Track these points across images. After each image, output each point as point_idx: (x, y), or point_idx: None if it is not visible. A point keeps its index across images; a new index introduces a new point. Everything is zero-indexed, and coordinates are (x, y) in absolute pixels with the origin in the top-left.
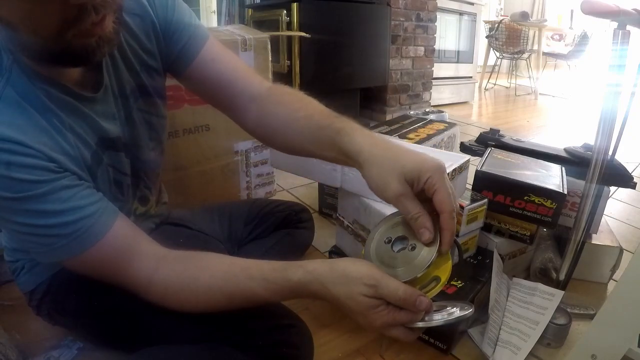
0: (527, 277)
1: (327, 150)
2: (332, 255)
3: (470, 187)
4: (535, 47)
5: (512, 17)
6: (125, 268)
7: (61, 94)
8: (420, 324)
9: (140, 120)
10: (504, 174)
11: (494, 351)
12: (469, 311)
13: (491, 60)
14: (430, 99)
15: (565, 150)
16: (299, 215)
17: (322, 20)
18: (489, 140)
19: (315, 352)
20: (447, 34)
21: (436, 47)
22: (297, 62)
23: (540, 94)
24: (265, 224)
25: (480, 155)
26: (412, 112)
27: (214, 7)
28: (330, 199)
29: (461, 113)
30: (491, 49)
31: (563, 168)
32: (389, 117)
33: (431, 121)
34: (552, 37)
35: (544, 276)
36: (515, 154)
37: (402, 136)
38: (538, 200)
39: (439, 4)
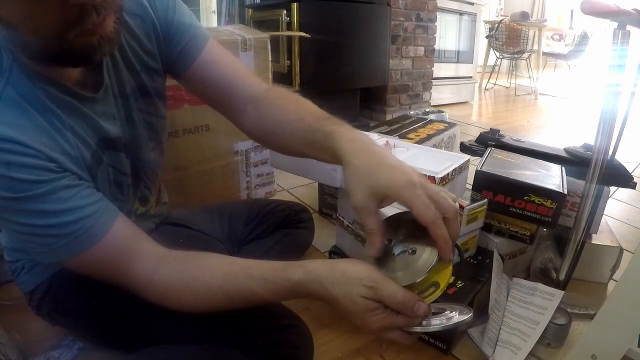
0: (527, 277)
1: (319, 153)
2: (332, 256)
3: (470, 187)
4: (535, 47)
5: (512, 17)
6: (125, 268)
7: (61, 94)
8: (418, 329)
9: (141, 121)
10: (504, 174)
11: (494, 351)
12: (468, 316)
13: (491, 60)
14: (430, 99)
15: (565, 150)
16: (299, 215)
17: (322, 20)
18: (489, 140)
19: (315, 352)
20: (447, 34)
21: (436, 47)
22: (297, 62)
23: (540, 94)
24: (265, 224)
25: (480, 155)
26: (412, 112)
27: (214, 7)
28: (330, 199)
29: (461, 113)
30: (491, 49)
31: (563, 168)
32: (389, 117)
33: (431, 121)
34: (552, 37)
35: (544, 276)
36: (515, 154)
37: (402, 136)
38: (538, 200)
39: (439, 4)
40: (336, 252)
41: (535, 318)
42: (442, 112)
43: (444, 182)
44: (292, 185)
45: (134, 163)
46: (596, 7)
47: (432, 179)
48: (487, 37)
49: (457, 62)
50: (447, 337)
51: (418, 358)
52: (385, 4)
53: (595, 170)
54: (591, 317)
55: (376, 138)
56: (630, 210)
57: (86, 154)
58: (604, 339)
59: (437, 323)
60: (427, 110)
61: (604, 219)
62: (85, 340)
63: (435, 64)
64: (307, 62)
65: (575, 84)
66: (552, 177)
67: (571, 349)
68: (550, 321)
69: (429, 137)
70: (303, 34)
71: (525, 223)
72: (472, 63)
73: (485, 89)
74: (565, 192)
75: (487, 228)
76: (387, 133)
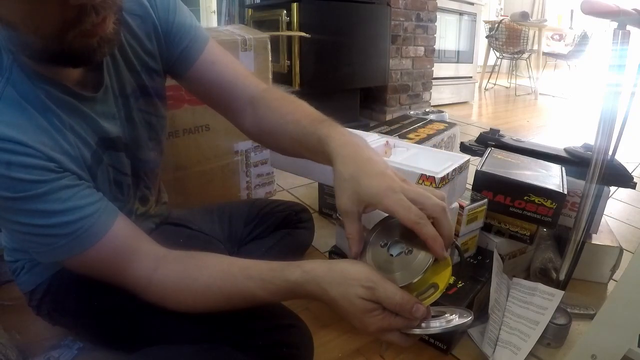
0: (527, 277)
1: (314, 156)
2: (332, 256)
3: (470, 187)
4: (535, 47)
5: (512, 17)
6: (125, 268)
7: (61, 94)
8: (417, 331)
9: (141, 121)
10: (504, 174)
11: (494, 351)
12: (468, 319)
13: (491, 60)
14: (430, 99)
15: (565, 150)
16: (299, 215)
17: (322, 20)
18: (489, 140)
19: (315, 352)
20: (447, 34)
21: (436, 47)
22: (297, 62)
23: (540, 94)
24: (265, 224)
25: (480, 155)
26: (412, 112)
27: (214, 7)
28: (330, 199)
29: (461, 113)
30: (491, 49)
31: (563, 168)
32: (389, 117)
33: (431, 121)
34: (552, 37)
35: (544, 276)
36: (515, 154)
37: (402, 136)
38: (538, 200)
39: (439, 4)
40: (336, 252)
41: (535, 318)
42: (442, 112)
43: (444, 182)
44: (292, 185)
45: (134, 163)
46: (596, 7)
47: (432, 179)
48: (487, 37)
49: (457, 62)
50: (447, 337)
51: (418, 358)
52: (385, 4)
53: (595, 170)
54: (591, 317)
55: (376, 138)
56: (630, 210)
57: (86, 153)
58: (604, 339)
59: (436, 325)
60: (427, 110)
61: (604, 219)
62: (85, 340)
63: (435, 64)
64: (307, 62)
65: (575, 84)
66: (552, 177)
67: (571, 349)
68: (550, 321)
69: (429, 137)
70: (303, 34)
71: (525, 223)
72: (472, 63)
73: (485, 89)
74: (565, 192)
75: (487, 228)
76: (387, 133)
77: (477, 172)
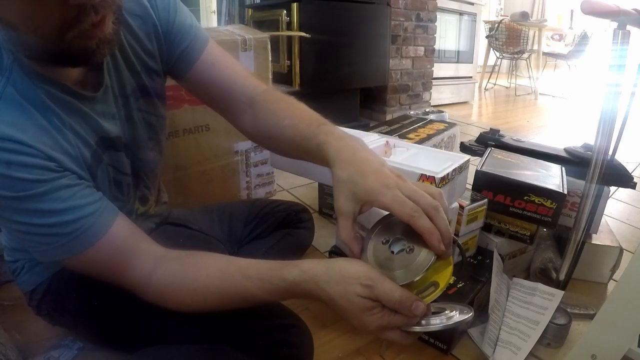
0: (527, 277)
1: (313, 159)
2: (332, 255)
3: (470, 187)
4: (535, 47)
5: (512, 17)
6: (125, 267)
7: (61, 94)
8: (417, 328)
9: (140, 120)
10: (504, 174)
11: (494, 351)
12: (468, 315)
13: (491, 60)
14: (430, 99)
15: (565, 150)
16: (299, 215)
17: (322, 20)
18: (489, 140)
19: (315, 352)
20: (447, 34)
21: (436, 47)
22: (297, 62)
23: (540, 94)
24: (265, 224)
25: (480, 155)
26: (412, 112)
27: (214, 7)
28: (330, 199)
29: (461, 113)
30: (491, 49)
31: (563, 168)
32: (389, 117)
33: (431, 121)
34: (552, 37)
35: (544, 276)
36: (515, 154)
37: (402, 136)
38: (538, 200)
39: (439, 4)
40: (336, 252)
41: (535, 318)
42: (442, 112)
43: (444, 182)
44: (292, 185)
45: (134, 163)
46: (596, 7)
47: (432, 179)
48: (487, 37)
49: (457, 62)
50: (447, 337)
51: (418, 358)
52: (385, 4)
53: (595, 170)
54: (591, 317)
55: (376, 138)
56: (630, 210)
57: (86, 153)
58: (604, 339)
59: (436, 322)
60: (427, 110)
61: (604, 219)
62: (85, 340)
63: (435, 64)
64: (307, 62)
65: (575, 84)
66: (552, 177)
67: (571, 349)
68: (550, 321)
69: (429, 137)
70: (303, 34)
71: (525, 223)
72: (472, 63)
73: (485, 89)
74: (565, 192)
75: (487, 228)
76: (387, 133)
77: (477, 172)
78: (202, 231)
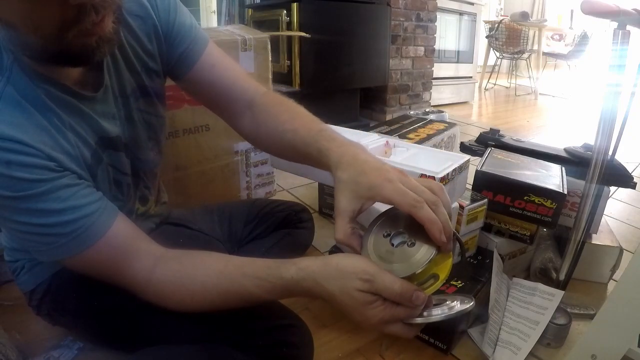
0: (527, 277)
1: (313, 164)
2: None
3: (470, 187)
4: (535, 47)
5: (512, 17)
6: (125, 267)
7: (61, 93)
8: (419, 320)
9: (140, 121)
10: (504, 174)
11: (494, 351)
12: (469, 304)
13: (491, 60)
14: (430, 99)
15: (565, 150)
16: (299, 215)
17: (322, 20)
18: (489, 140)
19: (315, 352)
20: (447, 34)
21: (436, 47)
22: (297, 62)
23: (540, 94)
24: (265, 224)
25: (480, 155)
26: (412, 112)
27: (214, 7)
28: (330, 199)
29: (461, 113)
30: (491, 49)
31: (563, 168)
32: (389, 117)
33: (431, 121)
34: (552, 37)
35: (544, 276)
36: (515, 154)
37: (402, 136)
38: (538, 200)
39: (439, 4)
40: (336, 252)
41: (535, 318)
42: (442, 112)
43: (444, 182)
44: (292, 185)
45: (134, 163)
46: (596, 7)
47: (432, 179)
48: (487, 37)
49: (457, 62)
50: (447, 337)
51: (418, 358)
52: (385, 4)
53: (595, 170)
54: (591, 317)
55: (376, 138)
56: (630, 210)
57: (86, 153)
58: (604, 339)
59: (438, 313)
60: (427, 110)
61: (604, 219)
62: (85, 340)
63: (435, 64)
64: (307, 62)
65: (575, 84)
66: (552, 177)
67: (571, 349)
68: (550, 321)
69: (429, 137)
70: (303, 34)
71: (525, 223)
72: (472, 63)
73: (485, 89)
74: (565, 192)
75: (487, 228)
76: (387, 133)
77: (477, 172)
78: (202, 231)
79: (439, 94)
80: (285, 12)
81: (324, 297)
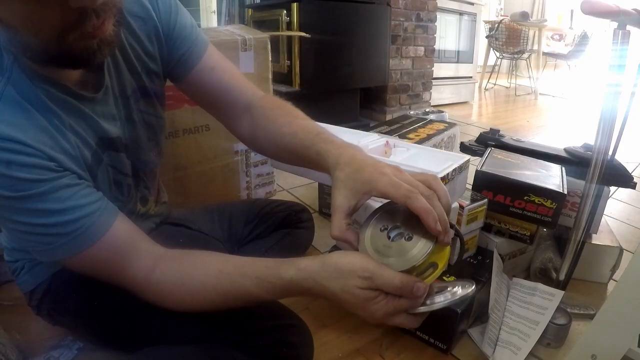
0: (527, 277)
1: (311, 166)
2: None
3: (470, 187)
4: (535, 47)
5: (512, 17)
6: (125, 267)
7: (61, 94)
8: (423, 309)
9: (140, 121)
10: (504, 174)
11: (494, 351)
12: (471, 289)
13: (491, 60)
14: (430, 99)
15: (565, 150)
16: (299, 215)
17: (322, 20)
18: (489, 140)
19: (315, 352)
20: (447, 34)
21: (436, 47)
22: (297, 62)
23: (540, 94)
24: (265, 224)
25: (480, 155)
26: (412, 112)
27: (214, 7)
28: (330, 199)
29: (461, 113)
30: (491, 49)
31: (563, 168)
32: (389, 117)
33: (431, 121)
34: (552, 37)
35: (544, 276)
36: (515, 154)
37: (402, 136)
38: (538, 200)
39: (439, 4)
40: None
41: (535, 318)
42: (442, 112)
43: (444, 182)
44: (292, 185)
45: (134, 163)
46: (596, 7)
47: None
48: (487, 37)
49: (457, 62)
50: (447, 337)
51: (418, 358)
52: (385, 4)
53: (595, 170)
54: (591, 317)
55: (376, 138)
56: (630, 210)
57: (86, 153)
58: (604, 339)
59: (441, 300)
60: (427, 110)
61: (604, 219)
62: (85, 340)
63: (435, 64)
64: (307, 62)
65: (575, 84)
66: (552, 177)
67: (571, 349)
68: (550, 321)
69: (429, 137)
70: (303, 34)
71: (525, 223)
72: (472, 63)
73: (485, 89)
74: (565, 192)
75: (487, 228)
76: (387, 133)
77: (477, 172)
78: (202, 231)
79: (439, 94)
80: (285, 12)
81: (326, 296)
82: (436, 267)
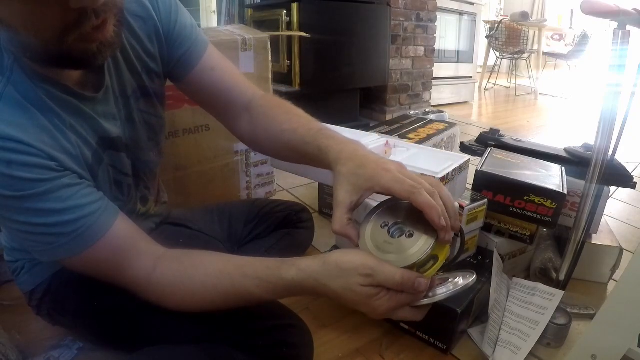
0: (527, 277)
1: (313, 163)
2: None
3: (470, 187)
4: (535, 47)
5: (512, 17)
6: (125, 267)
7: (62, 94)
8: (426, 301)
9: (141, 121)
10: (504, 174)
11: (494, 351)
12: (472, 279)
13: (491, 60)
14: (430, 99)
15: (565, 150)
16: (299, 215)
17: (322, 20)
18: (489, 140)
19: (315, 352)
20: (447, 34)
21: (436, 47)
22: (297, 62)
23: (540, 94)
24: (265, 224)
25: (480, 155)
26: (412, 112)
27: (214, 7)
28: (330, 199)
29: (461, 113)
30: (491, 49)
31: (563, 168)
32: (389, 117)
33: (431, 121)
34: (552, 37)
35: (544, 276)
36: (515, 154)
37: (402, 136)
38: (538, 200)
39: (439, 4)
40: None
41: (535, 318)
42: (442, 112)
43: (444, 182)
44: (292, 185)
45: (135, 163)
46: (596, 7)
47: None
48: (487, 37)
49: (457, 62)
50: (447, 337)
51: (418, 358)
52: (385, 4)
53: (595, 170)
54: (591, 317)
55: (376, 138)
56: (630, 210)
57: (87, 153)
58: (604, 339)
59: (443, 291)
60: (427, 110)
61: (604, 219)
62: (85, 340)
63: (435, 64)
64: (307, 62)
65: (575, 84)
66: (552, 177)
67: (571, 349)
68: (550, 321)
69: (429, 137)
70: (303, 34)
71: (525, 223)
72: (472, 63)
73: (485, 89)
74: (565, 192)
75: (487, 228)
76: (387, 133)
77: (477, 172)
78: (202, 231)
79: (439, 94)
80: (285, 12)
81: (328, 296)
82: (437, 260)
